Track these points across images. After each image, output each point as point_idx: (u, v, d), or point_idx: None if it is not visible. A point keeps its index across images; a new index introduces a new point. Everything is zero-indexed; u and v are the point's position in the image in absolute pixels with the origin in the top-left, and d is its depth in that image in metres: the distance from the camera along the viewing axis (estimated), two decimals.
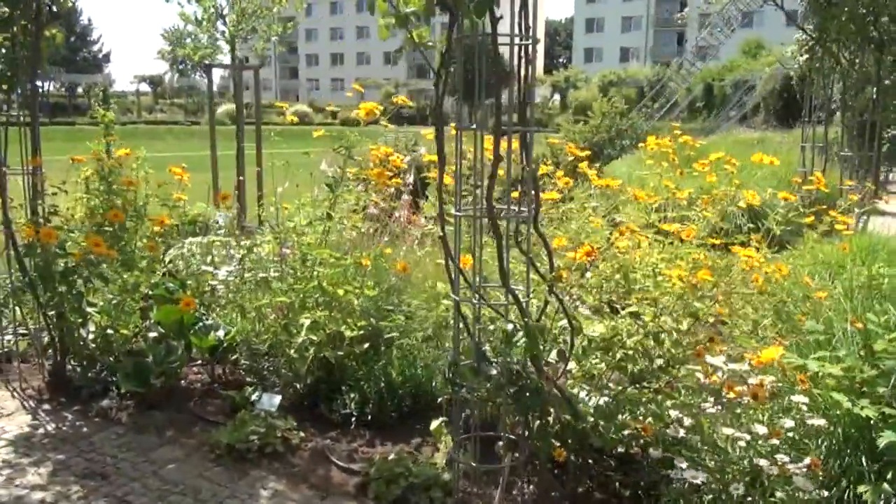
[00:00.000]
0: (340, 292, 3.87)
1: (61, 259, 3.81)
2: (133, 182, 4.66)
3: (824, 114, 8.52)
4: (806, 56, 8.61)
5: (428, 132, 8.02)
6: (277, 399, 3.61)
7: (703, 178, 5.08)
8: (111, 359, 4.25)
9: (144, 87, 62.63)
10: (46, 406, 4.01)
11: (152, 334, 4.67)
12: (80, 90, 59.82)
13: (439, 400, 3.61)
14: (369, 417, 3.74)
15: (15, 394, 4.19)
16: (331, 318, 3.87)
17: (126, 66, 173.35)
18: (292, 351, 3.82)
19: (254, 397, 3.98)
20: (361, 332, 3.98)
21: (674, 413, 2.73)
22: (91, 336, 4.22)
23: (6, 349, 4.66)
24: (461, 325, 2.86)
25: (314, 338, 3.80)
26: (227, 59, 9.21)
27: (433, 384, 3.93)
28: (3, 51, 4.11)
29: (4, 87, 4.16)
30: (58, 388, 4.21)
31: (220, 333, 4.37)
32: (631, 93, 48.37)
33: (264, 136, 8.42)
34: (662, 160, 5.43)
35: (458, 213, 2.83)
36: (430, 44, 2.91)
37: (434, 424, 3.30)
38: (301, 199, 4.91)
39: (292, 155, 4.82)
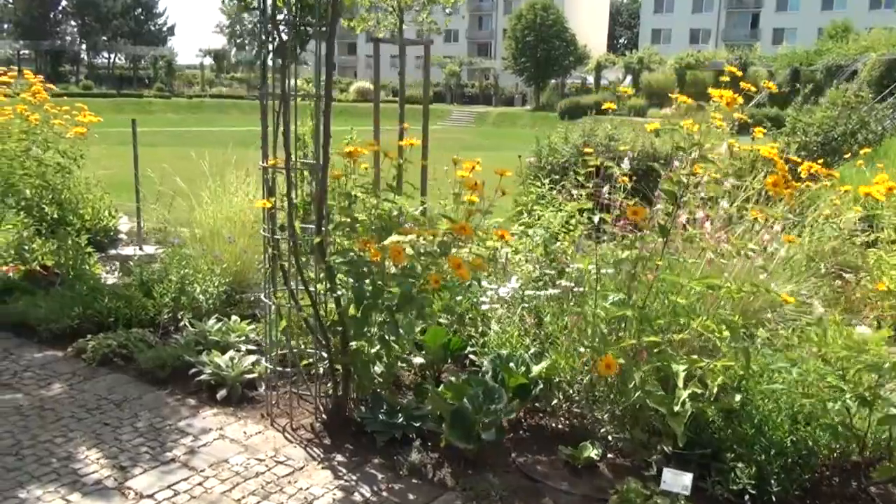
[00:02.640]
0: (725, 332, 3.02)
1: (393, 281, 3.03)
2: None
3: None
4: None
5: (643, 121, 7.10)
6: (688, 479, 2.79)
7: None
8: (401, 397, 3.51)
9: (209, 61, 62.54)
10: (339, 457, 3.26)
11: (417, 360, 3.94)
12: (143, 63, 59.94)
13: None
14: (773, 498, 2.91)
15: (288, 435, 3.45)
16: (706, 366, 3.03)
17: (188, 40, 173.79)
18: (671, 407, 2.98)
19: (593, 454, 3.19)
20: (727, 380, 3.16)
21: None
22: (379, 370, 3.46)
23: (249, 373, 3.93)
24: None
25: (697, 390, 2.97)
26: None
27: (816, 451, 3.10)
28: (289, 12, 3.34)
29: (289, 55, 3.39)
30: (338, 431, 3.46)
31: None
32: (706, 77, 46.44)
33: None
34: None
35: None
36: None
37: None
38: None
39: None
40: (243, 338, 4.36)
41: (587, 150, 5.82)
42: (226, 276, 4.95)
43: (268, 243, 3.41)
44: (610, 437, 3.35)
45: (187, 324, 4.61)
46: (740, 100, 3.52)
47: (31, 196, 6.50)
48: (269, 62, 3.47)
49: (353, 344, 3.27)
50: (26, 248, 5.79)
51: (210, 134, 25.63)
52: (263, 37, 3.39)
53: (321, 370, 3.57)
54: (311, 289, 3.39)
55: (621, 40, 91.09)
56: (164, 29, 68.52)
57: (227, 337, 4.31)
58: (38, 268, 5.51)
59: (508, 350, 3.77)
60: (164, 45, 66.44)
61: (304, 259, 3.55)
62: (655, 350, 3.07)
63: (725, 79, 3.50)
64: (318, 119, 3.35)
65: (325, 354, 3.47)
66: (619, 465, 3.23)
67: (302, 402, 3.73)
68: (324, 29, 3.40)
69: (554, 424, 3.56)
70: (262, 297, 3.68)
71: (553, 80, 53.79)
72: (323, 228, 3.33)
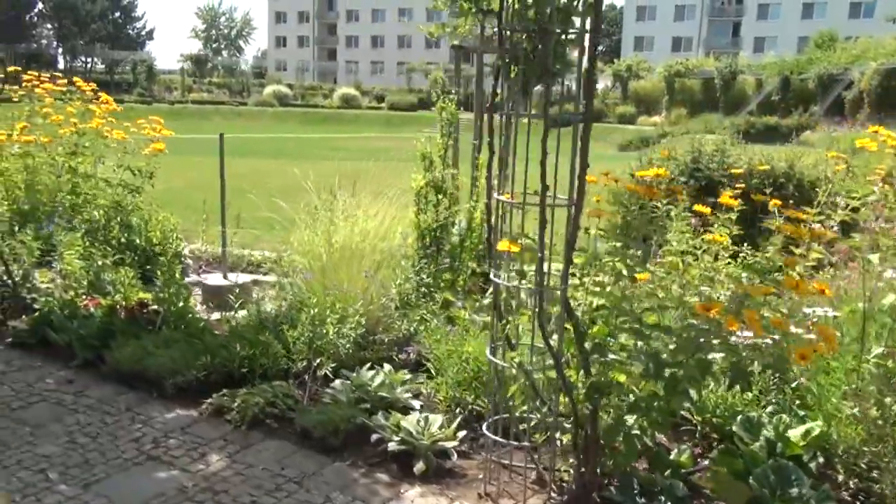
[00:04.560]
0: None
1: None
2: None
3: None
4: None
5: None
6: None
7: None
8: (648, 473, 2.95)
9: (189, 66, 61.27)
10: None
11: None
12: (120, 67, 58.57)
13: None
14: None
15: None
16: None
17: (166, 45, 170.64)
18: None
19: None
20: None
21: None
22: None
23: (441, 440, 3.34)
24: None
25: None
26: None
27: None
28: None
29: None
30: None
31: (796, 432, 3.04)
32: (695, 85, 46.35)
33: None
34: None
35: None
36: None
37: None
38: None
39: None
40: (409, 393, 3.78)
41: (735, 170, 5.33)
42: (361, 315, 4.35)
43: (510, 293, 2.84)
44: None
45: (328, 374, 4.02)
46: None
47: (99, 217, 5.86)
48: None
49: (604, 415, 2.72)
50: (106, 278, 5.12)
51: (193, 141, 24.52)
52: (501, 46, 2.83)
53: (558, 443, 3.00)
54: (555, 349, 2.82)
55: (600, 48, 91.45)
56: (143, 33, 67.11)
57: (393, 392, 3.72)
58: (131, 304, 4.84)
59: (754, 413, 3.24)
60: (143, 50, 65.12)
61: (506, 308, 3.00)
62: None
63: None
64: (574, 143, 2.80)
65: (565, 424, 2.91)
66: None
67: (514, 475, 3.15)
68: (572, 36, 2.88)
69: None
70: (487, 355, 3.09)
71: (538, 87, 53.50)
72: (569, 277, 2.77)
